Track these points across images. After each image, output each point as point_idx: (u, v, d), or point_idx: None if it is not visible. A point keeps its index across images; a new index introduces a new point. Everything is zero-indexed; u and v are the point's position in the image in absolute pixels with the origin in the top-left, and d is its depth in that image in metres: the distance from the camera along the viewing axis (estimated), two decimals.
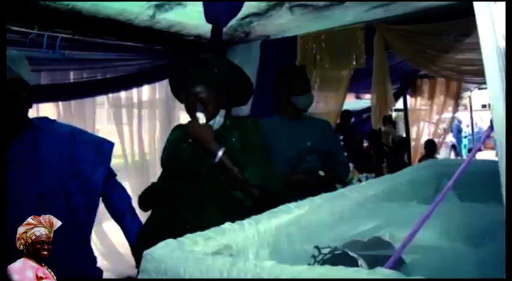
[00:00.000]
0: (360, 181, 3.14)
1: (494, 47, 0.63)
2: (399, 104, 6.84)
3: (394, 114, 8.31)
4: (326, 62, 3.60)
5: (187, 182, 1.83)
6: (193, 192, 1.81)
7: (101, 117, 3.80)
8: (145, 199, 1.98)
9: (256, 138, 1.90)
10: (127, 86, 3.55)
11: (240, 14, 3.09)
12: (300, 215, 1.18)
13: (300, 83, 2.60)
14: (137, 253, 1.91)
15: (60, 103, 3.11)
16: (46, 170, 1.74)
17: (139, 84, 3.66)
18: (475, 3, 0.61)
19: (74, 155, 1.84)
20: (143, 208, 1.99)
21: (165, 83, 3.86)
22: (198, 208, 1.78)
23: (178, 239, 0.89)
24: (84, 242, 1.88)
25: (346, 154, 3.36)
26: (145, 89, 3.89)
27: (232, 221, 1.06)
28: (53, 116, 3.02)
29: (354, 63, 3.46)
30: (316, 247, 0.87)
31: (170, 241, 0.87)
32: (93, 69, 3.15)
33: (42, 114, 3.14)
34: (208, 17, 2.30)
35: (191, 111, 1.89)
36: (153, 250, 0.83)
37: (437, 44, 3.46)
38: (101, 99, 3.71)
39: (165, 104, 3.96)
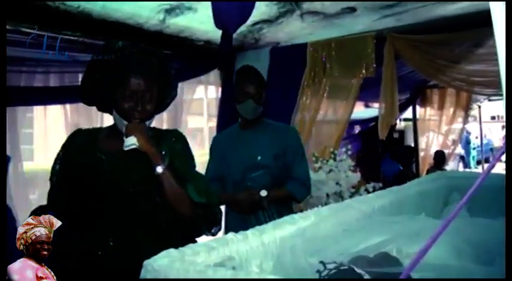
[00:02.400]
0: (367, 190, 3.10)
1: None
2: (408, 114, 6.79)
3: (403, 124, 8.27)
4: (335, 70, 3.57)
5: (109, 202, 1.50)
6: (123, 215, 1.49)
7: (110, 119, 3.78)
8: None
9: (187, 153, 1.67)
10: None
11: (250, 21, 3.08)
12: (306, 227, 1.16)
13: (237, 90, 2.37)
14: None
15: (68, 105, 3.11)
16: None
17: None
18: (492, 9, 0.59)
19: None
20: None
21: None
22: (134, 236, 1.49)
23: (180, 249, 0.87)
24: None
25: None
26: None
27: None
28: (60, 117, 3.02)
29: (364, 71, 3.43)
30: (322, 262, 0.84)
31: (171, 250, 0.85)
32: None
33: (50, 115, 3.14)
34: (218, 23, 2.29)
35: (130, 110, 1.54)
36: (154, 260, 0.81)
37: (448, 54, 3.42)
38: None
39: (173, 108, 3.95)
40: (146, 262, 0.81)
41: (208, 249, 0.90)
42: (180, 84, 3.86)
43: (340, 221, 1.26)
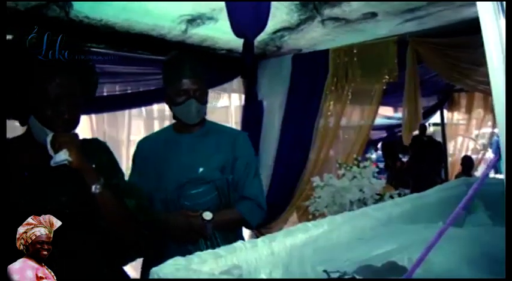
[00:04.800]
0: (391, 197, 3.05)
1: (501, 63, 0.60)
2: (436, 118, 6.67)
3: (431, 128, 8.12)
4: (358, 75, 3.56)
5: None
6: (66, 241, 1.17)
7: (137, 128, 3.85)
8: None
9: (116, 164, 1.49)
10: (159, 100, 3.60)
11: (272, 28, 3.10)
12: (318, 235, 1.16)
13: (171, 88, 1.88)
14: None
15: (94, 115, 3.18)
16: None
17: None
18: (481, 17, 0.59)
19: None
20: None
21: None
22: (82, 263, 1.31)
23: (187, 257, 0.88)
24: None
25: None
26: None
27: None
28: (86, 125, 3.09)
29: (386, 76, 3.41)
30: (325, 271, 0.84)
31: (178, 258, 0.86)
32: (125, 83, 3.21)
33: None
34: (237, 32, 2.31)
35: (54, 118, 1.32)
36: (160, 269, 0.82)
37: (472, 57, 3.35)
38: (138, 110, 3.76)
39: None
40: (153, 270, 0.83)
41: (216, 257, 0.91)
42: None
43: (354, 229, 1.25)
